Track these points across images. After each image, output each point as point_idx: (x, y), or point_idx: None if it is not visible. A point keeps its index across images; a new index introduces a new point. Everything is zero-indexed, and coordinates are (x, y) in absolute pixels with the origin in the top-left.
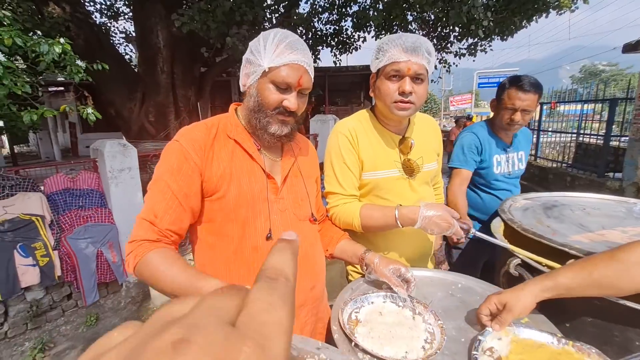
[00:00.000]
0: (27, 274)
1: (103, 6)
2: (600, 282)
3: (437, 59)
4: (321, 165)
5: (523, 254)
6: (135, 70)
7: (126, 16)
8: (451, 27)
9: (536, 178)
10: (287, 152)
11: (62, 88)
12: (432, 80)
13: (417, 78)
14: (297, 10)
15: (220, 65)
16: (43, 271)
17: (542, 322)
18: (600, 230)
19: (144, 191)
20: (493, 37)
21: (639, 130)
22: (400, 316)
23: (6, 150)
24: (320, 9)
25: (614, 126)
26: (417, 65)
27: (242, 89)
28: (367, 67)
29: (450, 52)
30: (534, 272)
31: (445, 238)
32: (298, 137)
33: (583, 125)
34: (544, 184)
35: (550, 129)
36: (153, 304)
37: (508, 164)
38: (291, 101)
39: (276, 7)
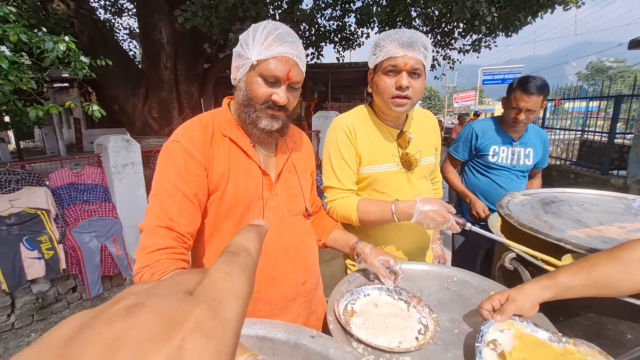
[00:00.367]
0: (33, 266)
1: (107, 2)
2: (599, 281)
3: (441, 55)
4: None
5: (517, 247)
6: (139, 66)
7: (130, 12)
8: (455, 23)
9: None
10: (281, 147)
11: (66, 84)
12: (435, 77)
13: (414, 73)
14: (300, 6)
15: (223, 61)
16: (48, 264)
17: (536, 316)
18: (598, 225)
19: (147, 186)
20: (497, 33)
21: None
22: (395, 308)
23: (12, 146)
24: (323, 5)
25: (619, 123)
26: (413, 60)
27: (233, 83)
28: None
29: (454, 49)
30: (529, 265)
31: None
32: (293, 130)
33: (588, 122)
34: (548, 181)
35: (554, 126)
36: None
37: (513, 156)
38: (280, 95)
39: (279, 3)
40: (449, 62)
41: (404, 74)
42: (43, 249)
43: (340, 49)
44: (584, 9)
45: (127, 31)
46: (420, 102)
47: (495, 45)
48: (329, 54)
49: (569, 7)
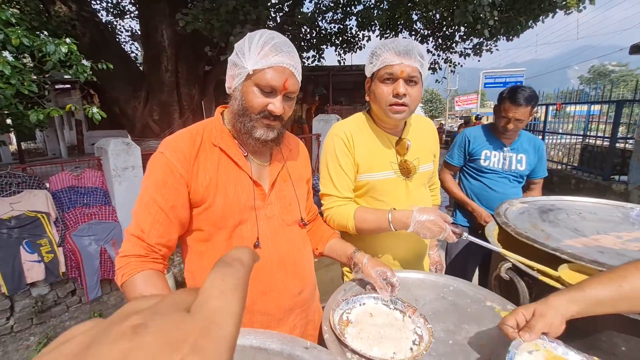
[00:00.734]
0: (33, 270)
1: (109, 4)
2: (632, 295)
3: (442, 58)
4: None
5: (514, 257)
6: (140, 68)
7: (132, 14)
8: (456, 27)
9: None
10: (276, 155)
11: (68, 86)
12: (437, 80)
13: (410, 80)
14: (301, 10)
15: (224, 64)
16: (48, 267)
17: None
18: (595, 235)
19: None
20: (499, 37)
21: None
22: (390, 317)
23: (14, 147)
24: (324, 8)
25: (621, 128)
26: (410, 67)
27: (228, 92)
28: None
29: (455, 52)
30: (525, 276)
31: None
32: (288, 137)
33: (590, 126)
34: (549, 186)
35: (555, 131)
36: None
37: (505, 161)
38: (276, 105)
39: (280, 6)
40: (450, 66)
41: (400, 81)
42: (43, 252)
43: (342, 52)
44: (585, 13)
45: (129, 33)
46: (421, 104)
47: (497, 49)
48: (330, 57)
49: (570, 11)
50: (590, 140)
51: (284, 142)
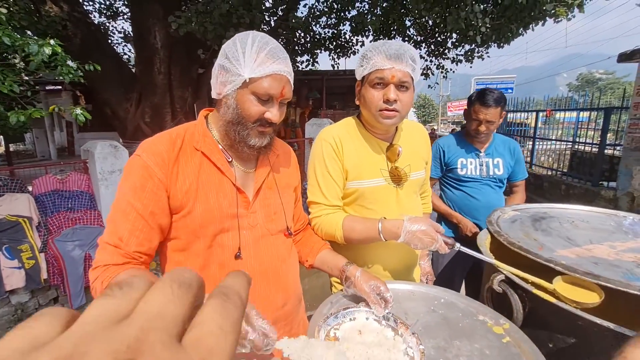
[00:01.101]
0: (12, 276)
1: (102, 6)
2: None
3: (435, 64)
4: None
5: (507, 269)
6: (133, 70)
7: (125, 16)
8: (449, 33)
9: (531, 186)
10: (262, 162)
11: (59, 87)
12: (429, 86)
13: (401, 86)
14: (295, 14)
15: None
16: (29, 274)
17: (524, 341)
18: (588, 244)
19: None
20: (490, 43)
21: (633, 140)
22: (380, 336)
23: (1, 149)
24: (318, 13)
25: (609, 134)
26: (401, 72)
27: (214, 97)
28: None
29: (448, 58)
30: (518, 288)
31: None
32: (277, 144)
33: (579, 133)
34: (539, 192)
35: (545, 137)
36: None
37: (482, 167)
38: (273, 113)
39: (274, 10)
40: (442, 72)
41: (391, 86)
42: (23, 258)
43: (335, 57)
44: (574, 21)
45: (122, 35)
46: (414, 109)
47: (488, 56)
48: (324, 61)
49: (559, 19)
50: (580, 147)
51: (272, 148)
